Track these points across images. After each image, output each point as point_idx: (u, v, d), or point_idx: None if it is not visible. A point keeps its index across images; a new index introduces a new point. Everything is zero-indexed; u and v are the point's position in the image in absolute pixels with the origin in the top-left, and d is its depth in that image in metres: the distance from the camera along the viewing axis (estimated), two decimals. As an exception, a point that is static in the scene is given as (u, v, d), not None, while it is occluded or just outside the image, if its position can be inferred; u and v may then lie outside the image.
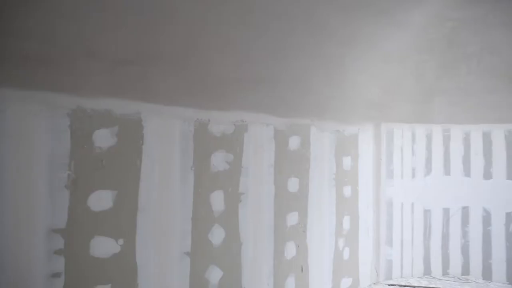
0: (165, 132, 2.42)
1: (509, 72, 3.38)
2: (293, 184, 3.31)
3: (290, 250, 3.29)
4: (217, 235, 2.74)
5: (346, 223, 3.86)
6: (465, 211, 4.32)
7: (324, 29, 2.71)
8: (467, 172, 4.31)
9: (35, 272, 1.89)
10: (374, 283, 4.15)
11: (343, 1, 2.51)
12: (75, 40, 1.80)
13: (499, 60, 3.33)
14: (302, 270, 3.39)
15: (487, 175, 4.22)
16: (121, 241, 2.22)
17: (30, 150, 1.87)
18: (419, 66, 3.58)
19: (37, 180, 1.90)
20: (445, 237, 4.39)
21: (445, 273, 4.36)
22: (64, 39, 1.77)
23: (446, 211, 4.39)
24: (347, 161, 3.86)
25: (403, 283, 4.17)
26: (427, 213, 4.41)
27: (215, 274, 2.73)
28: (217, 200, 2.74)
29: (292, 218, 3.31)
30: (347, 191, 3.88)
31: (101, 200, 2.14)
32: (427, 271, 4.38)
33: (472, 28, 3.13)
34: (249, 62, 2.58)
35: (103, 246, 2.15)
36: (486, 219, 4.21)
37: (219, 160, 2.74)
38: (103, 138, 2.13)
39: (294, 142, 3.29)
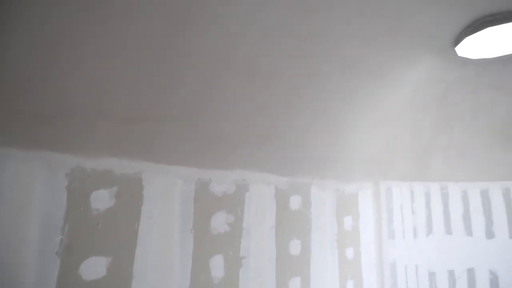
0: (166, 192, 2.33)
1: (502, 130, 3.47)
2: (295, 246, 3.15)
3: (294, 320, 3.04)
4: (216, 305, 2.52)
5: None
6: (470, 273, 4.14)
7: (327, 86, 2.77)
8: (468, 231, 4.21)
9: None
10: None
11: (343, 59, 2.60)
12: (82, 98, 1.77)
13: (491, 119, 3.44)
14: None
15: (489, 234, 4.12)
16: (112, 314, 2.00)
17: (25, 213, 1.75)
18: (415, 124, 3.65)
19: (28, 245, 1.74)
20: (453, 301, 4.15)
21: None
22: (71, 97, 1.74)
23: (451, 274, 4.20)
24: (348, 221, 3.75)
25: None
26: (432, 276, 4.21)
27: None
28: (217, 265, 2.56)
29: (295, 283, 3.10)
30: (349, 253, 3.71)
31: (94, 267, 1.96)
32: None
33: (464, 89, 3.26)
34: (255, 120, 2.59)
35: (93, 321, 1.93)
36: (494, 282, 4.03)
37: (219, 222, 2.62)
38: (101, 199, 2.02)
39: (295, 202, 3.21)
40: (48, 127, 1.74)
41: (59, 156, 1.84)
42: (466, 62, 2.95)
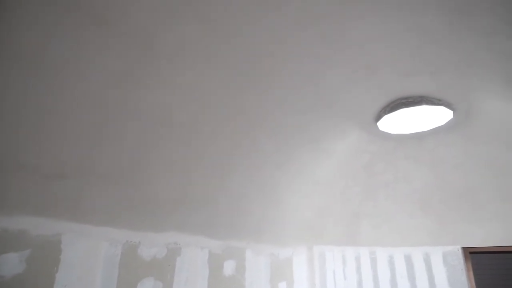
0: (87, 256, 2.12)
1: (420, 199, 3.81)
2: (227, 317, 2.98)
3: None
4: None
5: None
6: None
7: (260, 153, 2.88)
8: (396, 296, 4.34)
9: None
10: None
11: (275, 129, 2.75)
12: (2, 149, 1.63)
13: (410, 188, 3.78)
14: None
15: (415, 299, 4.28)
16: None
17: None
18: (345, 191, 3.88)
19: None
20: None
21: None
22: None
23: None
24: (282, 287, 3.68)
25: None
26: None
27: None
28: None
29: None
30: (283, 322, 3.59)
31: None
32: None
33: (385, 160, 3.60)
34: (191, 183, 2.55)
35: None
36: None
37: (146, 290, 2.41)
38: (9, 265, 1.77)
39: (229, 267, 3.10)
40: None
41: (-37, 214, 1.63)
42: (387, 136, 3.30)
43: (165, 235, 2.60)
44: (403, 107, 2.69)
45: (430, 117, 2.86)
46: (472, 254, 3.86)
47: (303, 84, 2.32)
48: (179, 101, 2.10)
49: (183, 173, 2.48)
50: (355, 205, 4.02)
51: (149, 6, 1.56)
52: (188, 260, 2.73)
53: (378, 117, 2.90)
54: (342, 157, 3.46)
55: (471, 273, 3.84)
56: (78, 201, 2.02)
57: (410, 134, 3.25)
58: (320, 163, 3.37)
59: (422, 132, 3.20)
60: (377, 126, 3.05)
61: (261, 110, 2.47)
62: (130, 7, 1.54)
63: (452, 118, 2.89)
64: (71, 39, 1.55)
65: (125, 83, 1.85)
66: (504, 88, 2.32)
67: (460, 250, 3.81)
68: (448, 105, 2.69)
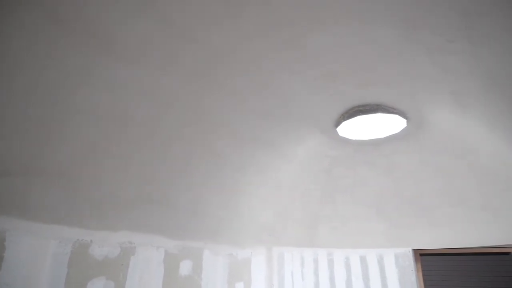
0: (34, 255, 2.03)
1: (375, 204, 3.97)
2: (181, 317, 2.96)
3: None
4: None
5: None
6: None
7: (219, 156, 2.90)
8: (351, 297, 4.48)
9: None
10: None
11: (235, 131, 2.78)
12: None
13: (366, 192, 3.92)
14: None
15: (368, 300, 4.43)
16: None
17: None
18: (305, 194, 3.96)
19: None
20: None
21: None
22: None
23: None
24: (240, 288, 3.70)
25: None
26: None
27: None
28: None
29: None
30: (240, 323, 3.61)
31: None
32: None
33: (344, 165, 3.71)
34: (146, 183, 2.52)
35: None
36: None
37: (96, 290, 2.35)
38: None
39: (185, 267, 3.08)
40: None
41: None
42: (346, 141, 3.41)
43: (119, 234, 2.54)
44: (361, 114, 2.79)
45: (386, 125, 2.99)
46: (422, 256, 4.07)
47: (263, 89, 2.35)
48: (138, 101, 2.07)
49: (140, 172, 2.45)
50: (314, 208, 4.11)
51: (107, 5, 1.53)
52: (142, 260, 2.69)
53: (338, 123, 2.99)
54: (303, 161, 3.54)
55: (421, 273, 4.04)
56: (26, 198, 1.94)
57: (368, 140, 3.37)
58: (280, 167, 3.43)
59: (379, 139, 3.33)
60: (336, 131, 3.14)
61: (220, 112, 2.48)
62: (87, 4, 1.51)
63: (406, 127, 3.04)
64: (24, 35, 1.49)
65: (81, 81, 1.80)
66: (450, 102, 2.46)
67: (411, 252, 4.00)
68: (402, 114, 2.82)
